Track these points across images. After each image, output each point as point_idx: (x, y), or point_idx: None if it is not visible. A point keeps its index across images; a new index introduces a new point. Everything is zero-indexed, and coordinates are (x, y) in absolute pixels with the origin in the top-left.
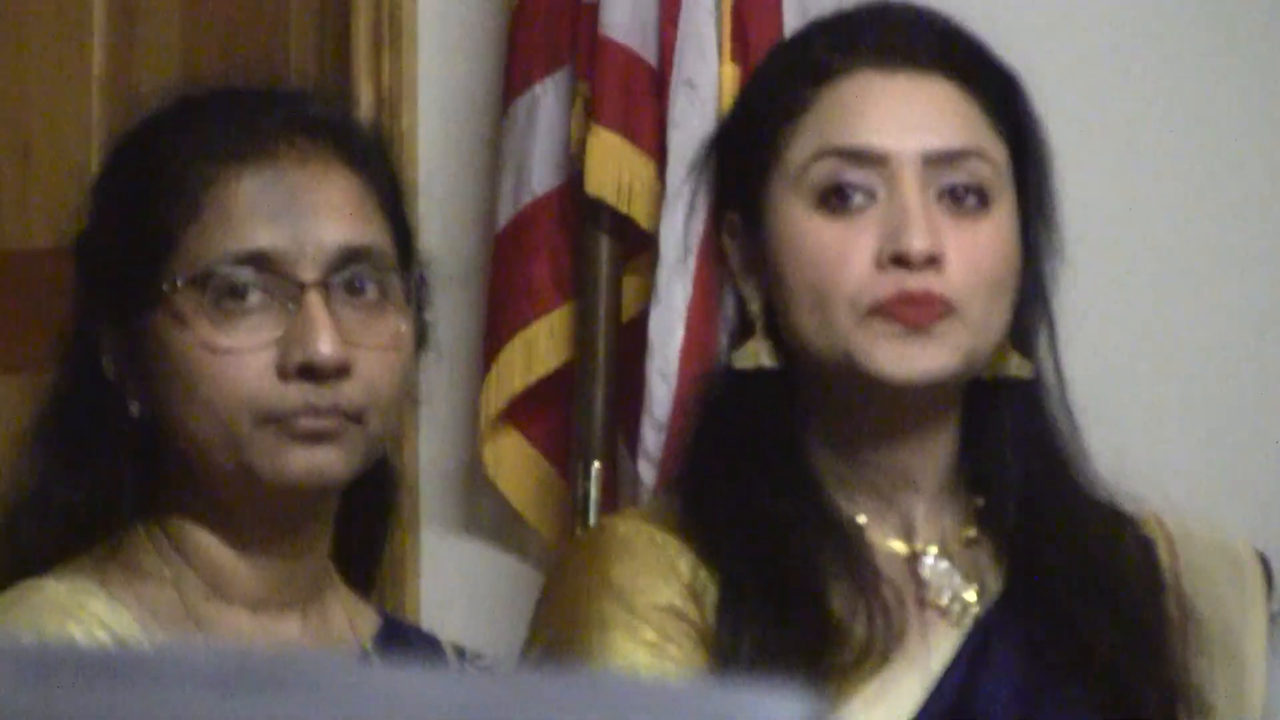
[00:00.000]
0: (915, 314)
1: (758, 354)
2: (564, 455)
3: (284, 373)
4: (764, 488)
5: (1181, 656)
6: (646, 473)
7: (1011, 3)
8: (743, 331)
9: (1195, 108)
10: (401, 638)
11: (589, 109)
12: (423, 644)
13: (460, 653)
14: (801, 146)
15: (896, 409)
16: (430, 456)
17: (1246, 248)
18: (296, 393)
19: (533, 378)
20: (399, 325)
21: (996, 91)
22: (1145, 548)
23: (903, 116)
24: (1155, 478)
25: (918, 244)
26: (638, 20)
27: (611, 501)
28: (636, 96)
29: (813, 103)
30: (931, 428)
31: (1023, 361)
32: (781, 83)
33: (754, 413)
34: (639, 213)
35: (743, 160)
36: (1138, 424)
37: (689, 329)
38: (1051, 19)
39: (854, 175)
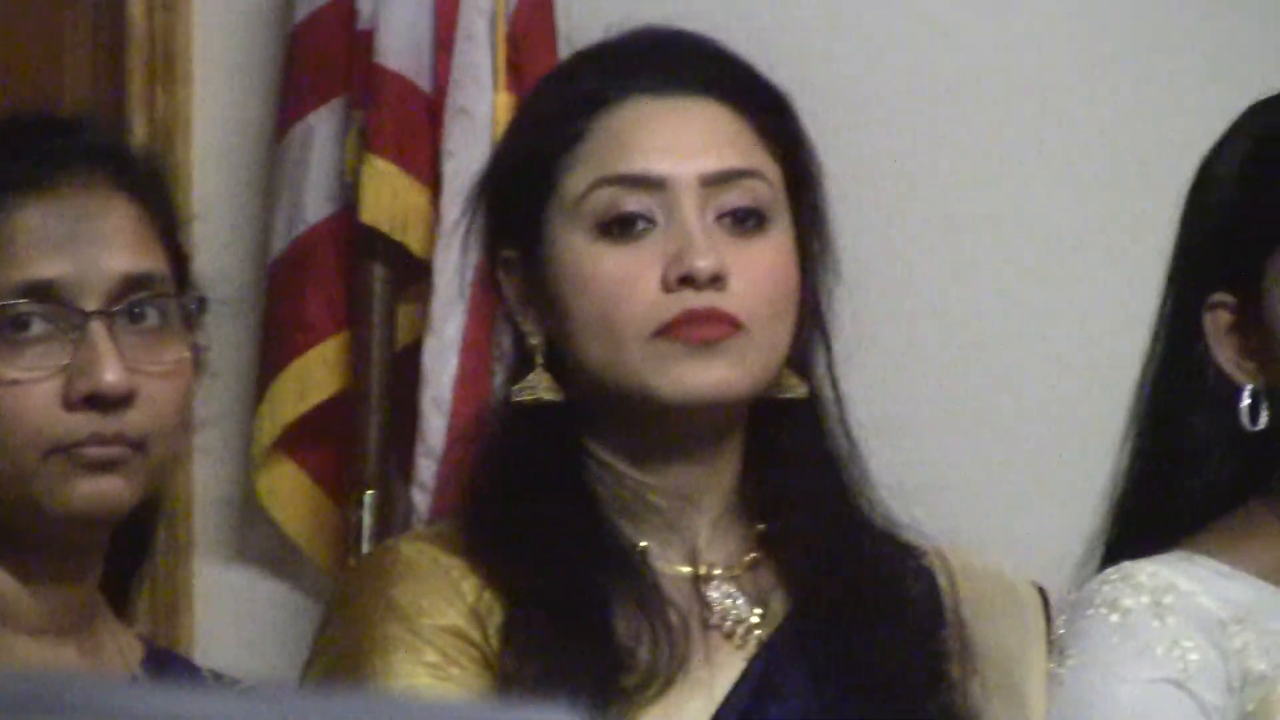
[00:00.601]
0: (702, 332)
1: (536, 388)
2: (338, 484)
3: (69, 403)
4: (546, 515)
5: (962, 684)
6: (421, 502)
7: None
8: (521, 365)
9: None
10: (164, 663)
11: (364, 138)
12: (183, 670)
13: (217, 677)
14: (579, 177)
15: (681, 433)
16: (204, 485)
17: (1037, 261)
18: (83, 422)
19: (306, 406)
20: (180, 351)
21: (768, 112)
22: (927, 577)
23: (678, 141)
24: (938, 495)
25: (701, 263)
26: (413, 48)
27: (386, 530)
28: (411, 125)
29: (587, 132)
30: (714, 451)
31: (800, 382)
32: (554, 114)
33: (534, 443)
34: (414, 242)
35: (518, 194)
36: (920, 443)
37: (463, 359)
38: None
39: (633, 202)
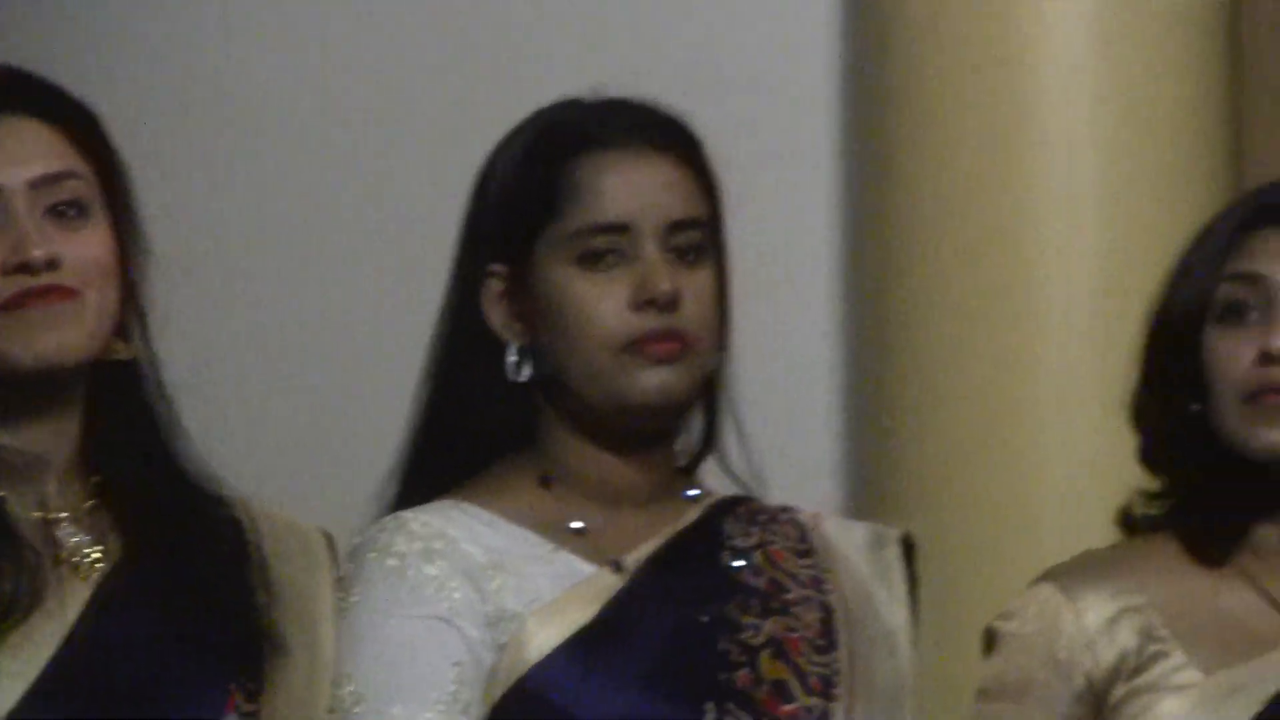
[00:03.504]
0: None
1: None
2: None
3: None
4: None
5: (266, 612)
6: None
7: None
8: None
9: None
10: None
11: None
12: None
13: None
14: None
15: (26, 399)
16: None
17: (333, 246)
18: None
19: None
20: None
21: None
22: (233, 523)
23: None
24: (246, 453)
25: None
26: None
27: None
28: None
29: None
30: (58, 413)
31: (125, 347)
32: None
33: None
34: None
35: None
36: (230, 407)
37: None
38: None
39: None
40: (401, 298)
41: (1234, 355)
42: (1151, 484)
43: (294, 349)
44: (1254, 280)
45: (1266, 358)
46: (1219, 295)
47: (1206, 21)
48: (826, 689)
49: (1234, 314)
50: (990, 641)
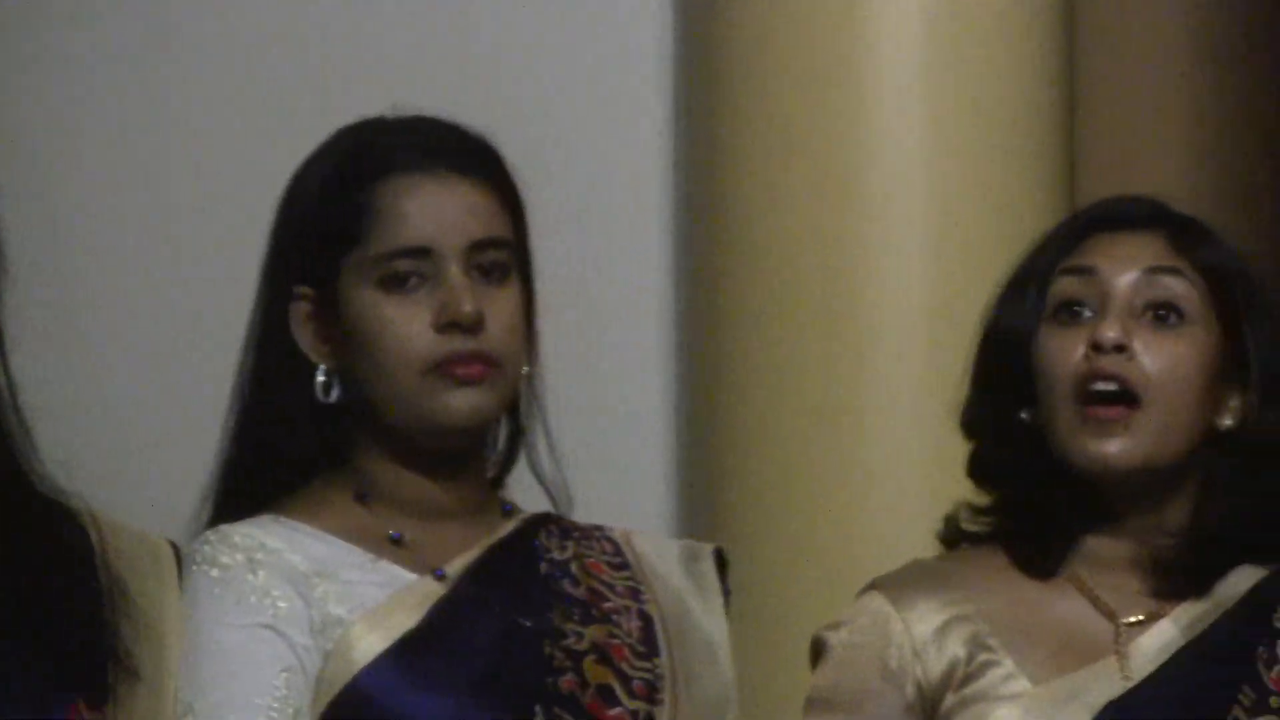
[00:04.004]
0: None
1: None
2: None
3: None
4: None
5: (113, 623)
6: None
7: None
8: None
9: None
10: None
11: None
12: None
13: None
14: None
15: None
16: None
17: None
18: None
19: None
20: None
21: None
22: (82, 535)
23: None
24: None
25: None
26: None
27: None
28: None
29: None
30: None
31: None
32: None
33: None
34: None
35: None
36: (78, 425)
37: None
38: None
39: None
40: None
41: (1066, 351)
42: (979, 498)
43: (129, 368)
44: (1089, 273)
45: (1096, 348)
46: (1054, 291)
47: (1039, 29)
48: (651, 694)
49: (1068, 312)
50: (818, 651)
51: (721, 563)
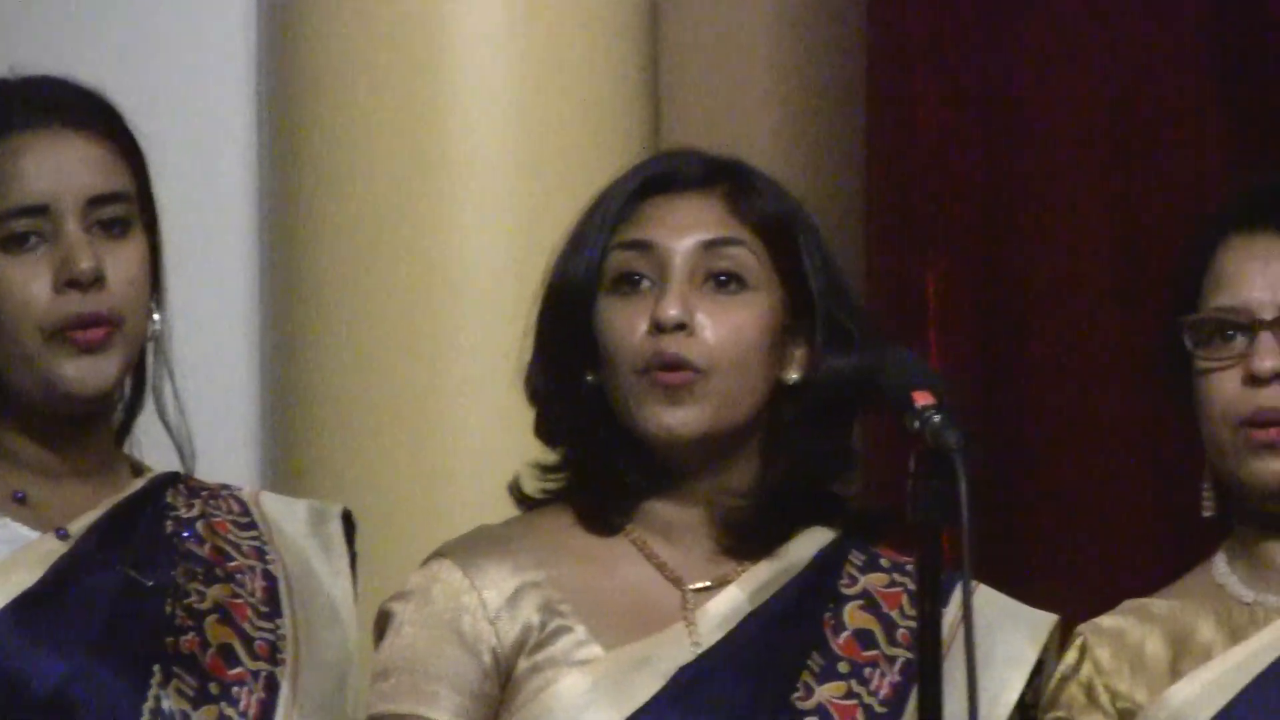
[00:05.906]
0: None
1: None
2: None
3: None
4: None
5: None
6: None
7: None
8: None
9: None
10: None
11: None
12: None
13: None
14: None
15: None
16: None
17: None
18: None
19: None
20: None
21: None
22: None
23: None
24: None
25: None
26: None
27: None
28: None
29: None
30: None
31: None
32: None
33: None
34: None
35: None
36: None
37: None
38: None
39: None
40: None
41: (628, 326)
42: (548, 457)
43: None
44: (646, 247)
45: (658, 328)
46: (612, 263)
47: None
48: (273, 654)
49: (626, 283)
50: (386, 623)
51: (349, 525)
